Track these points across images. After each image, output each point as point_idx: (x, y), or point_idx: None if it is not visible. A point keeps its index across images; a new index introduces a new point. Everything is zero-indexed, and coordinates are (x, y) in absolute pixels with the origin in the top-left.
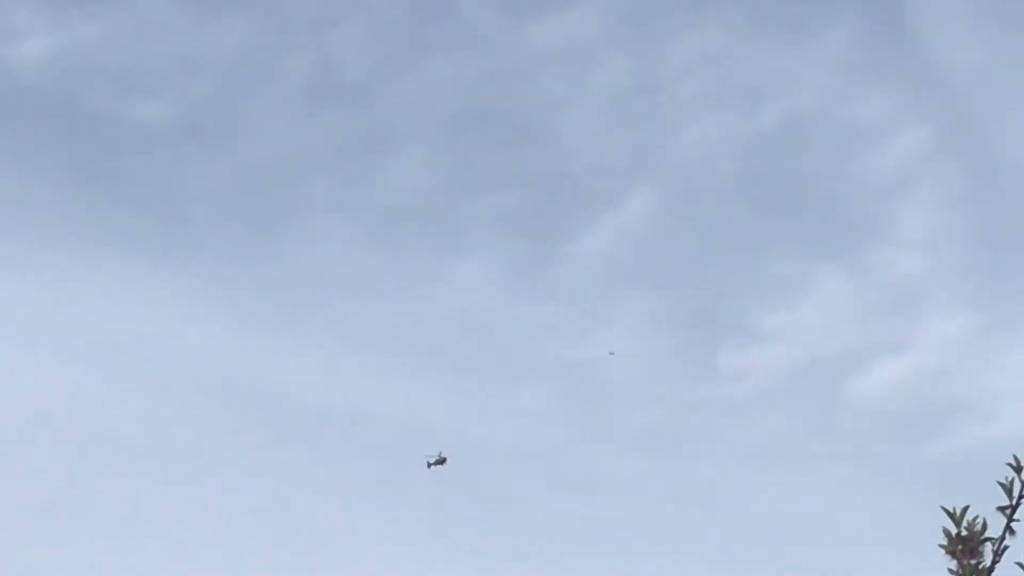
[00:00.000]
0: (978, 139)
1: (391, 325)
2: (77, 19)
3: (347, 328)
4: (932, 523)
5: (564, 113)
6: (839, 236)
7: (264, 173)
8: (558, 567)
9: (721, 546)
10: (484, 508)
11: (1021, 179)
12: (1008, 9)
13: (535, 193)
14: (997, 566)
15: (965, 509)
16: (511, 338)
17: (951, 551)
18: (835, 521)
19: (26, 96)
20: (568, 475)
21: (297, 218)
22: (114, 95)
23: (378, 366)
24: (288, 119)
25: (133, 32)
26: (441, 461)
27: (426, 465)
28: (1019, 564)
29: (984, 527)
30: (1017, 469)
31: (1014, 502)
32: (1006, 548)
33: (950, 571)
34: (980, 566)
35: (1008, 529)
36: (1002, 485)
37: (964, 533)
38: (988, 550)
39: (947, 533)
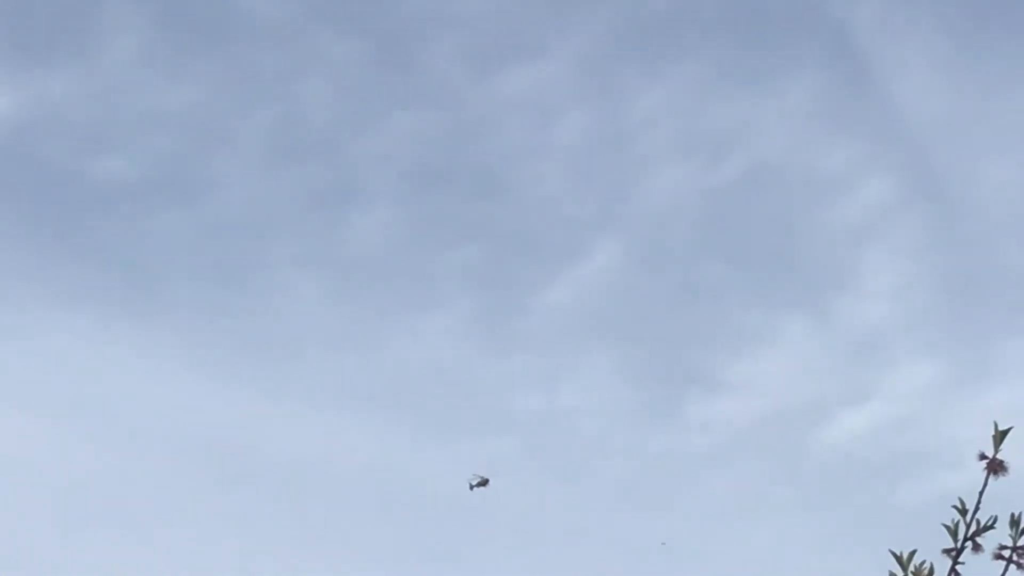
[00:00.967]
0: (943, 189)
1: (358, 379)
2: (39, 75)
3: (314, 382)
4: (883, 569)
5: (529, 165)
6: (805, 286)
7: (230, 228)
8: None
9: None
10: (453, 561)
11: (985, 228)
12: (972, 60)
13: (501, 245)
14: None
15: (912, 553)
16: (478, 390)
17: None
18: (801, 569)
19: None
20: (537, 527)
21: (263, 272)
22: (77, 151)
23: (345, 420)
24: (253, 173)
25: (96, 88)
26: (484, 483)
27: (468, 487)
28: None
29: (931, 571)
30: (962, 512)
31: (959, 545)
32: None
33: None
34: None
35: (953, 572)
36: (947, 527)
37: None
38: None
39: None
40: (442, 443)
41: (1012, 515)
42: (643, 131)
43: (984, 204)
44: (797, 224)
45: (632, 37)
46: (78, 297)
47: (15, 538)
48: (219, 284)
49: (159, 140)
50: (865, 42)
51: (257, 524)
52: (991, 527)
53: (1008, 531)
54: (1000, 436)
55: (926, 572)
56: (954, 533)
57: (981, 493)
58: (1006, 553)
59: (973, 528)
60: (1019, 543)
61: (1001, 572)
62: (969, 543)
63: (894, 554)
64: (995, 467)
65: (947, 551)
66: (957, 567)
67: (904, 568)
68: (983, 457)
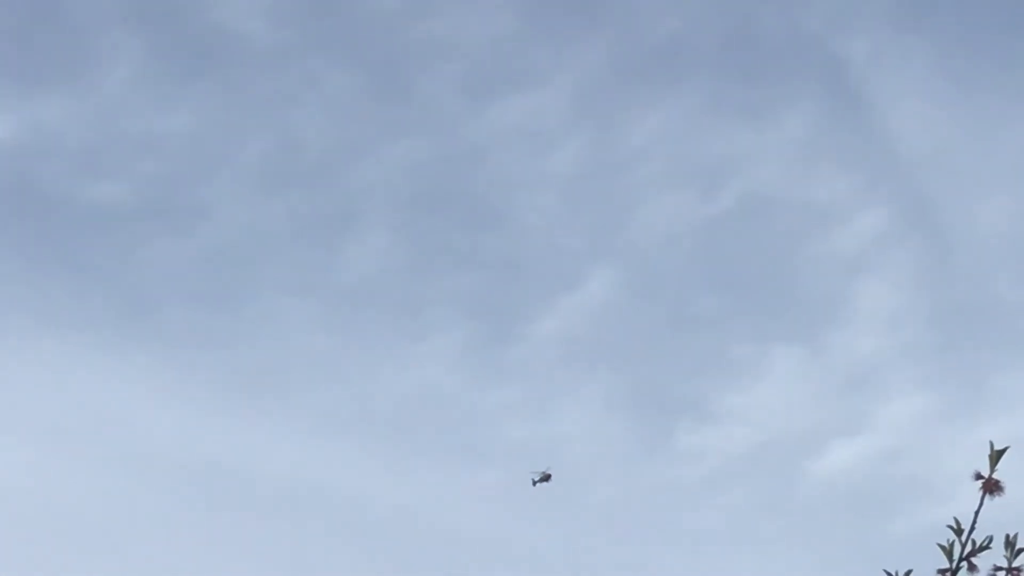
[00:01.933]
0: (936, 221)
1: (350, 406)
2: (35, 101)
3: (306, 408)
4: None
5: (523, 194)
6: (798, 317)
7: (223, 254)
8: None
9: None
10: None
11: (978, 260)
12: (966, 94)
13: (494, 274)
14: None
15: (908, 573)
16: (470, 419)
17: None
18: None
19: None
20: (526, 556)
21: (257, 299)
22: (72, 176)
23: (337, 447)
24: (247, 200)
25: (91, 114)
26: (546, 478)
27: (531, 483)
28: None
29: None
30: (957, 532)
31: (954, 565)
32: None
33: None
34: None
35: None
36: (942, 547)
37: None
38: None
39: None
40: (432, 471)
41: (1007, 536)
42: (638, 161)
43: (977, 237)
44: (791, 255)
45: (628, 68)
46: (71, 322)
47: (6, 561)
48: (212, 310)
49: (154, 166)
50: (860, 75)
51: (248, 548)
52: (987, 547)
53: (1003, 552)
54: (996, 456)
55: None
56: (949, 553)
57: (977, 513)
58: (1001, 574)
59: (969, 548)
60: (1015, 564)
61: None
62: (964, 563)
63: (889, 574)
64: (991, 487)
65: (942, 571)
66: None
67: None
68: (979, 477)
